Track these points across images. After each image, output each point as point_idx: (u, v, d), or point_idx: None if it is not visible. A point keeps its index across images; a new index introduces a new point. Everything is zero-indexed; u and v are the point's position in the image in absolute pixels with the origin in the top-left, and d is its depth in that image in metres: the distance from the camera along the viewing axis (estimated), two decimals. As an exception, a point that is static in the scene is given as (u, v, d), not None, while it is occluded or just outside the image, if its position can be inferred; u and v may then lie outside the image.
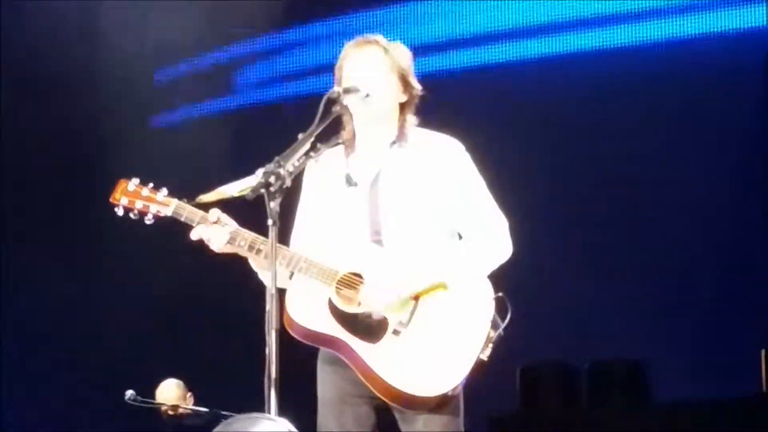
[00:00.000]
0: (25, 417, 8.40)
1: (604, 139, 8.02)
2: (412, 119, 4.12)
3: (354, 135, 4.11)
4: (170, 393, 6.99)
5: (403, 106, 4.11)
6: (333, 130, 4.00)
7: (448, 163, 4.06)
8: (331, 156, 4.06)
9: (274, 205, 3.54)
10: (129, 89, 8.81)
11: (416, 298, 3.92)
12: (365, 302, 3.90)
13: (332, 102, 3.92)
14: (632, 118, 7.99)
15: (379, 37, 4.11)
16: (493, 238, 4.01)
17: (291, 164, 3.66)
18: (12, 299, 8.60)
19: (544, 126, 8.10)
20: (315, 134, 3.81)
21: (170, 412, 6.75)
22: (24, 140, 8.77)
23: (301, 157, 3.76)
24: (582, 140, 8.08)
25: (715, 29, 7.98)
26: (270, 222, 3.54)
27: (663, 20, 8.09)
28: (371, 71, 4.04)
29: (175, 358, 8.06)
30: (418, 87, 4.11)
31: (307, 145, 3.80)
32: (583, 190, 8.04)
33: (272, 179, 3.56)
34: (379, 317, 3.89)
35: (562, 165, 8.13)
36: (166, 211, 4.01)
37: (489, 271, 3.99)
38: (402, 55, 4.11)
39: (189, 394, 7.07)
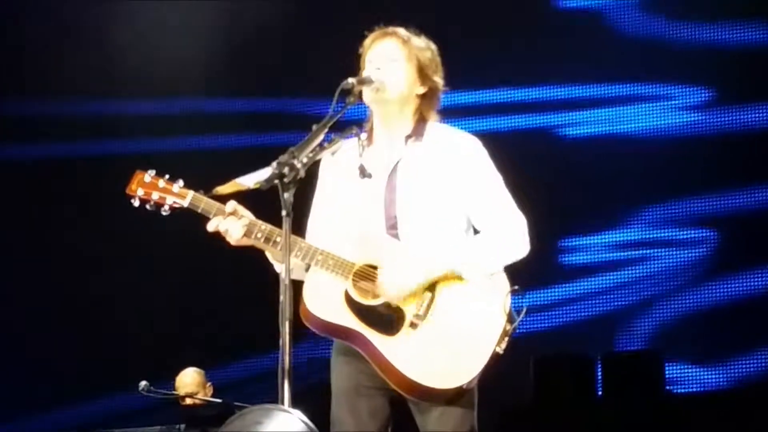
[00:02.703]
0: (37, 406, 8.41)
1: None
2: (431, 113, 4.11)
3: (372, 126, 4.11)
4: (190, 380, 7.01)
5: (421, 99, 4.10)
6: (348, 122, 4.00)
7: (465, 158, 4.05)
8: (347, 148, 4.05)
9: (288, 196, 3.53)
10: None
11: (432, 290, 3.92)
12: (381, 290, 3.90)
13: (347, 93, 3.92)
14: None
15: (400, 29, 4.11)
16: (508, 233, 4.00)
17: (305, 155, 3.66)
18: (21, 286, 8.61)
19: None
20: (329, 125, 3.81)
21: (184, 403, 6.76)
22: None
23: (315, 148, 3.75)
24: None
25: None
26: (284, 213, 3.54)
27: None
28: (386, 60, 4.04)
29: (189, 348, 8.06)
30: (439, 80, 4.10)
31: (321, 137, 3.79)
32: (590, 178, 8.08)
33: (286, 170, 3.55)
34: (396, 310, 3.90)
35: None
36: (183, 203, 4.01)
37: (503, 264, 3.98)
38: (423, 47, 4.09)
39: (209, 383, 7.09)
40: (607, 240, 8.25)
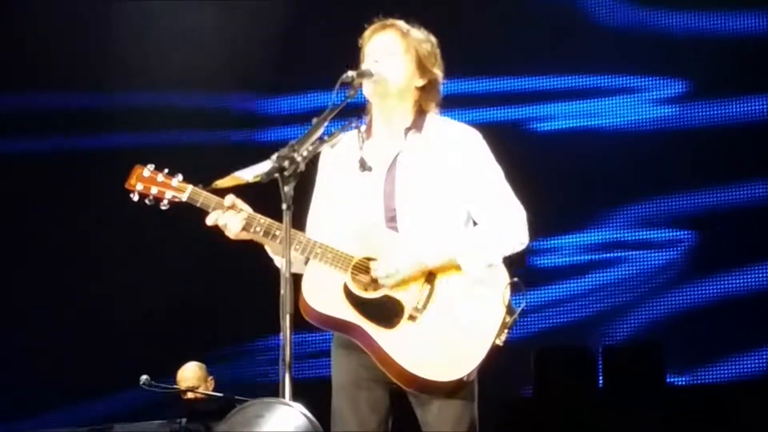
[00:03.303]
0: (40, 400, 8.42)
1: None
2: (430, 105, 4.12)
3: (371, 119, 4.11)
4: (191, 374, 7.01)
5: (420, 91, 4.10)
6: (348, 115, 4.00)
7: (465, 150, 4.05)
8: (347, 141, 4.05)
9: (288, 190, 3.53)
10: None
11: (432, 282, 3.92)
12: (377, 275, 3.90)
13: (346, 86, 3.92)
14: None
15: (399, 21, 4.11)
16: (506, 223, 4.01)
17: (305, 149, 3.65)
18: (23, 283, 8.61)
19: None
20: (329, 119, 3.81)
21: (185, 396, 6.77)
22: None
23: (315, 142, 3.75)
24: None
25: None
26: (284, 206, 3.53)
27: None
28: (386, 55, 4.04)
29: (190, 342, 8.07)
30: (438, 73, 4.11)
31: (321, 130, 3.79)
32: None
33: (286, 163, 3.55)
34: (395, 302, 3.89)
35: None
36: (182, 197, 4.02)
37: (501, 255, 3.98)
38: (422, 39, 4.10)
39: (210, 377, 7.09)
40: (577, 242, 8.04)
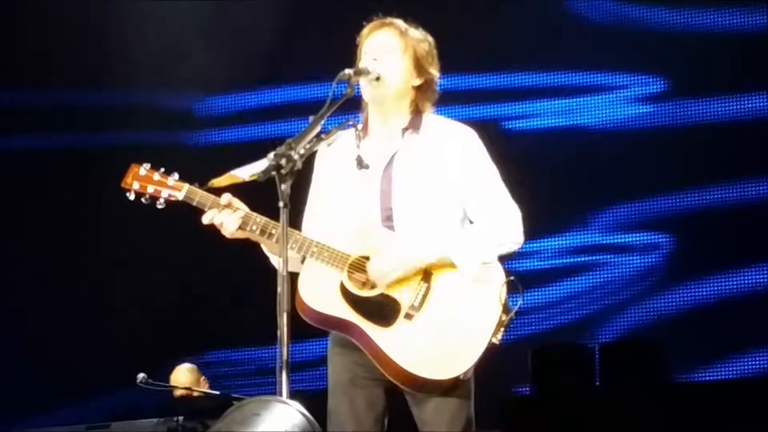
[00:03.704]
0: (37, 399, 8.42)
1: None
2: (426, 104, 4.12)
3: (368, 118, 4.11)
4: (184, 377, 7.01)
5: (417, 90, 4.10)
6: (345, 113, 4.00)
7: (461, 150, 4.06)
8: (344, 139, 4.05)
9: (285, 188, 3.52)
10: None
11: (428, 281, 3.92)
12: (370, 275, 3.90)
13: (343, 83, 3.91)
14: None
15: (397, 20, 4.11)
16: (501, 222, 4.01)
17: (302, 147, 3.65)
18: (23, 281, 8.61)
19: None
20: (326, 116, 3.81)
21: (182, 395, 6.77)
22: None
23: (312, 140, 3.75)
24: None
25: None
26: (281, 204, 3.53)
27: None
28: (384, 53, 4.04)
29: (187, 340, 8.07)
30: (434, 72, 4.11)
31: (318, 128, 3.79)
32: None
33: (283, 161, 3.54)
34: (392, 301, 3.90)
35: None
36: (178, 196, 4.02)
37: (496, 254, 3.98)
38: (419, 38, 4.10)
39: (203, 378, 7.09)
40: (553, 245, 7.91)
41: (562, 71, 7.98)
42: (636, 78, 7.90)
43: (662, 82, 7.86)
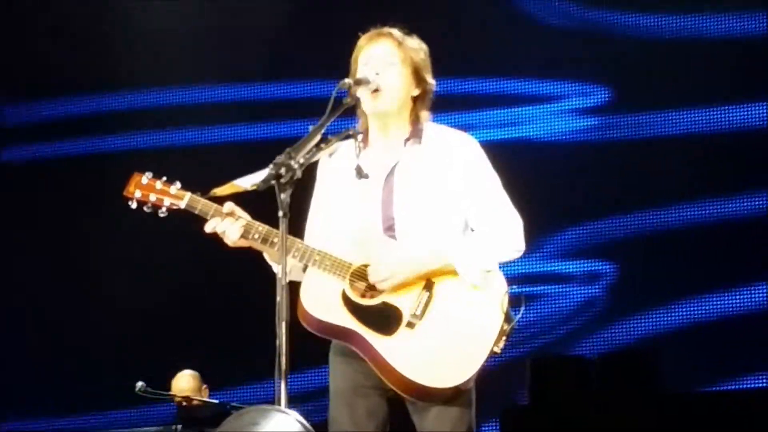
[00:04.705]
0: (36, 407, 8.41)
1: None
2: (425, 114, 4.13)
3: (368, 128, 4.12)
4: (185, 384, 6.99)
5: (415, 100, 4.11)
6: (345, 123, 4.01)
7: (462, 159, 4.07)
8: (346, 149, 4.06)
9: (284, 197, 3.54)
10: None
11: (430, 289, 3.93)
12: (373, 277, 3.91)
13: (343, 92, 3.92)
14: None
15: (394, 30, 4.12)
16: (502, 230, 4.02)
17: (302, 156, 3.66)
18: (21, 287, 8.61)
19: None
20: (326, 126, 3.81)
21: (182, 403, 6.76)
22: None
23: (311, 149, 3.76)
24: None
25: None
26: (281, 213, 3.54)
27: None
28: (383, 64, 4.04)
29: (186, 349, 8.06)
30: (431, 81, 4.12)
31: (318, 137, 3.80)
32: (596, 180, 7.80)
33: (283, 171, 3.56)
34: (393, 309, 3.90)
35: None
36: (180, 204, 4.02)
37: (497, 261, 3.99)
38: (416, 48, 4.11)
39: (204, 386, 7.08)
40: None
41: (497, 78, 7.47)
42: (578, 87, 7.41)
43: (606, 91, 7.37)
